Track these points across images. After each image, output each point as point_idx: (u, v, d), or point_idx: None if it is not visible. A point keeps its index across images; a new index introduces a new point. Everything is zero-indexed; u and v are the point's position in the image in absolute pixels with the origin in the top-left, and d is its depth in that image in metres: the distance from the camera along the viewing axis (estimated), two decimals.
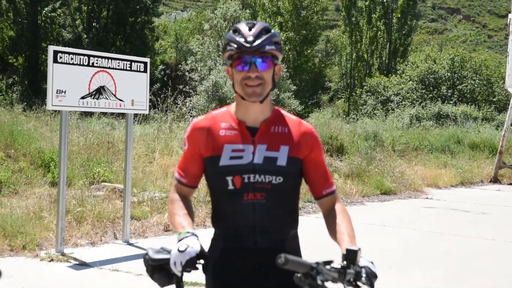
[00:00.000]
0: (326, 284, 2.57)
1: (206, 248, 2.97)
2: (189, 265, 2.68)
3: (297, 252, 3.10)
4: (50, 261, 8.25)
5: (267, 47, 2.91)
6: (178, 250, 2.68)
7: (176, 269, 2.69)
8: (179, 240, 2.78)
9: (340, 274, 2.55)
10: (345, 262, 2.60)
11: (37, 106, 17.88)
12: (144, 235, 10.05)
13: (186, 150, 3.12)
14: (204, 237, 3.16)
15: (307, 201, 13.06)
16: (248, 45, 2.88)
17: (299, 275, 2.53)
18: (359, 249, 2.62)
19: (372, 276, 2.62)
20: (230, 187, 2.96)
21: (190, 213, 3.07)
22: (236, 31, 2.96)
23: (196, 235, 2.83)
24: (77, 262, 8.25)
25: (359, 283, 2.61)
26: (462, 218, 13.14)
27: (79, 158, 13.58)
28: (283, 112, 3.16)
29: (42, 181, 12.29)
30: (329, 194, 3.12)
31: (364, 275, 2.60)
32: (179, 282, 2.87)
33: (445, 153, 23.27)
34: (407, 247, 10.00)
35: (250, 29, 2.93)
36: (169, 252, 2.78)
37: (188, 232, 2.82)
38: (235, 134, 3.01)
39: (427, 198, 16.10)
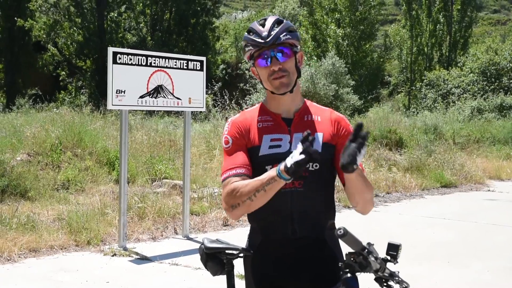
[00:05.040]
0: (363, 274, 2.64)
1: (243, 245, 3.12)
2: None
3: (336, 243, 3.07)
4: (113, 255, 8.47)
5: (283, 38, 2.96)
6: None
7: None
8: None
9: (380, 266, 2.58)
10: (386, 256, 2.64)
11: (104, 108, 18.28)
12: (203, 230, 10.20)
13: (229, 148, 3.07)
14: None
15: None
16: (263, 41, 2.95)
17: (351, 253, 2.60)
18: (401, 244, 2.66)
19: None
20: None
21: None
22: (250, 31, 3.03)
23: None
24: (138, 257, 8.44)
25: (390, 283, 2.62)
26: None
27: (143, 156, 13.89)
28: (313, 103, 3.22)
29: (107, 178, 12.58)
30: None
31: (397, 277, 2.61)
32: (230, 270, 3.02)
33: (508, 145, 22.71)
34: (467, 240, 9.89)
35: (262, 26, 3.00)
36: (223, 243, 2.94)
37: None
38: (272, 125, 3.06)
39: (488, 190, 15.81)
